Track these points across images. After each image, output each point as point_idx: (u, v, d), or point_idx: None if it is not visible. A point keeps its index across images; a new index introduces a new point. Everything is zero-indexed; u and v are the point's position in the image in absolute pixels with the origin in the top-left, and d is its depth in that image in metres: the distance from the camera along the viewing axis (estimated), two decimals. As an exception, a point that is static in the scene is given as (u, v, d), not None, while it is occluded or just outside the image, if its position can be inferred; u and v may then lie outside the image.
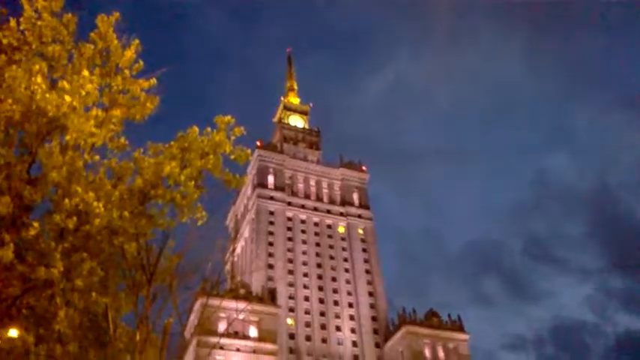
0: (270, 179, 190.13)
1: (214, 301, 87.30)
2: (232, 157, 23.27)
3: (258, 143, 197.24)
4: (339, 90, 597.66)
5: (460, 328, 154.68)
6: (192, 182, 22.79)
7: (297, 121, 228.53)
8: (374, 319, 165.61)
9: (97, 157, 21.02)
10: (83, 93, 19.36)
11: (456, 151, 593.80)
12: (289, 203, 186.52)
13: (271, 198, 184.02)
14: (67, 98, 18.83)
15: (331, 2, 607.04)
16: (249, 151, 23.31)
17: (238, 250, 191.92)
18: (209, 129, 22.52)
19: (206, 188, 23.48)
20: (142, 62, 21.57)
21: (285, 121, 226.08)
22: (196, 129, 22.21)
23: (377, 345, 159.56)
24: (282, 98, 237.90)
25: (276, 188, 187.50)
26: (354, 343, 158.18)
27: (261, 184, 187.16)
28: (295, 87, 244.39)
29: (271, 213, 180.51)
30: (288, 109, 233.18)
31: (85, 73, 19.71)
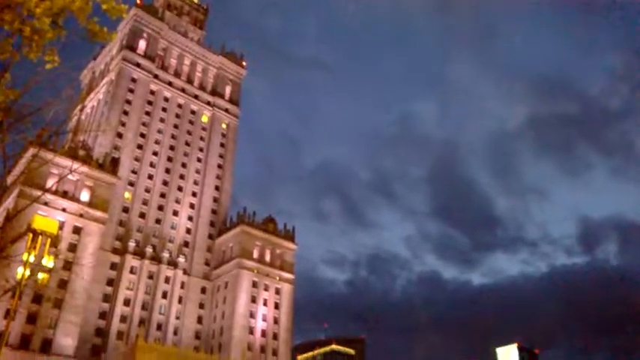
0: (142, 44, 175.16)
1: (48, 154, 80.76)
2: (104, 6, 20.56)
3: (138, 1, 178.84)
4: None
5: (291, 239, 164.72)
6: (49, 20, 19.79)
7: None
8: (214, 212, 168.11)
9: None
10: None
11: (338, 68, 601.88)
12: (156, 76, 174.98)
13: (138, 65, 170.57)
14: None
15: None
16: (124, 7, 20.80)
17: (88, 109, 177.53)
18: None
19: (65, 31, 20.65)
20: None
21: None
22: (66, -40, 19.03)
23: (210, 236, 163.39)
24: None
25: (146, 56, 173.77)
26: (188, 230, 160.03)
27: (130, 47, 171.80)
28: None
29: (133, 80, 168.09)
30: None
31: None
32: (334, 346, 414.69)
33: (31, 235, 29.41)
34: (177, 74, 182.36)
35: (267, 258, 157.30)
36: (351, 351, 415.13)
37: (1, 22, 19.52)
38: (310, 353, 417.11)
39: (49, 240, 30.58)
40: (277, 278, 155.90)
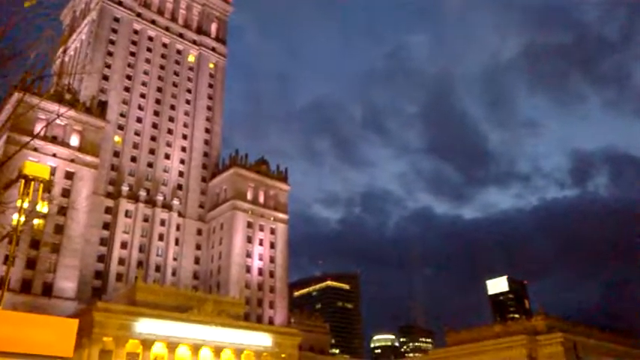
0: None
1: (33, 99, 78.66)
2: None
3: None
4: None
5: (284, 179, 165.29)
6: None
7: None
8: (206, 154, 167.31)
9: None
10: None
11: (329, 1, 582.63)
12: (139, 15, 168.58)
13: (119, 3, 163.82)
14: None
15: None
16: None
17: (71, 51, 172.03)
18: None
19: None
20: None
21: None
22: None
23: (203, 179, 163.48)
24: None
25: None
26: (181, 173, 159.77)
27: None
28: None
29: (116, 20, 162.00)
30: None
31: None
32: (329, 282, 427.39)
33: (23, 181, 28.97)
34: (160, 12, 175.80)
35: (261, 199, 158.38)
36: (346, 286, 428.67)
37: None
38: (306, 289, 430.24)
39: (41, 186, 30.19)
40: (272, 219, 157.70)
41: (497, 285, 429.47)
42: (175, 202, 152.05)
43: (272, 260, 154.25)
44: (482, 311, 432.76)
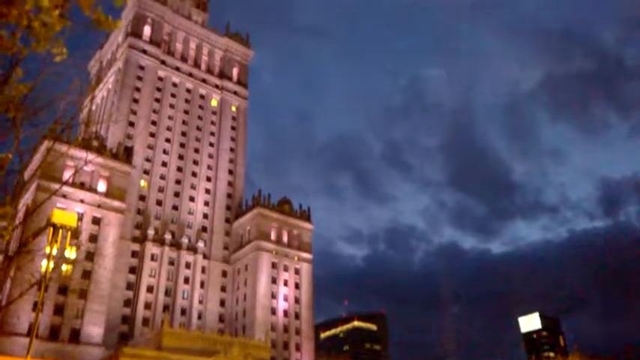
0: (147, 30, 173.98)
1: (62, 147, 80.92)
2: (109, -7, 19.76)
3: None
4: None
5: (307, 218, 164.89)
6: (57, 11, 19.13)
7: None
8: (229, 196, 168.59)
9: None
10: None
11: (343, 37, 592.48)
12: (163, 62, 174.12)
13: (144, 51, 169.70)
14: None
15: None
16: (128, -8, 20.03)
17: (98, 99, 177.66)
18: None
19: (71, 22, 19.97)
20: None
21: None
22: (70, -53, 18.32)
23: (227, 220, 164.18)
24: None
25: (152, 42, 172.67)
26: (205, 215, 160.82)
27: (136, 33, 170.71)
28: None
29: (141, 68, 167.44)
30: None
31: None
32: (356, 323, 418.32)
33: (51, 229, 29.31)
34: (184, 59, 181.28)
35: (285, 239, 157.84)
36: (373, 327, 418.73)
37: (7, 18, 18.99)
38: (333, 331, 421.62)
39: (69, 232, 30.46)
40: (296, 258, 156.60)
41: (530, 322, 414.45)
42: (200, 244, 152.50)
43: (297, 301, 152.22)
44: (516, 350, 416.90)
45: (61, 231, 29.30)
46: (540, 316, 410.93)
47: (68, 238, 31.61)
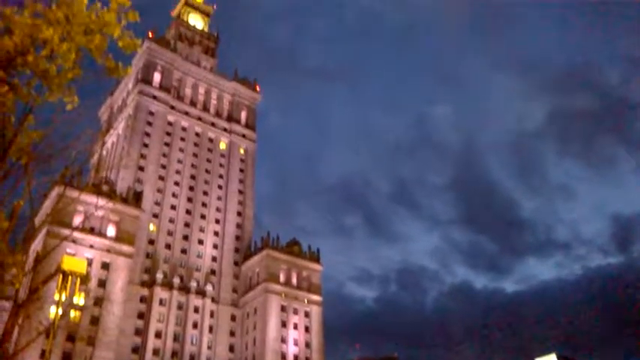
0: (157, 77, 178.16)
1: (73, 193, 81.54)
2: (120, 43, 20.55)
3: (150, 35, 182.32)
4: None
5: (317, 260, 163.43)
6: (73, 56, 19.83)
7: (197, 20, 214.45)
8: (238, 238, 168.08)
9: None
10: None
11: (349, 77, 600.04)
12: (172, 107, 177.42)
13: (154, 97, 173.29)
14: None
15: None
16: (138, 41, 20.87)
17: (108, 144, 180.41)
18: (98, 4, 19.57)
19: (83, 70, 20.63)
20: None
21: (184, 19, 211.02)
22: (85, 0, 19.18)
23: (236, 263, 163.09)
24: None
25: (161, 88, 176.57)
26: (214, 258, 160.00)
27: (146, 80, 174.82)
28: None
29: (151, 113, 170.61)
30: (190, 5, 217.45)
31: None
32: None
33: (61, 275, 29.25)
34: (193, 103, 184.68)
35: (294, 281, 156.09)
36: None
37: (24, 65, 19.62)
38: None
39: (79, 279, 30.39)
40: (305, 301, 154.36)
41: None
42: (209, 287, 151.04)
43: (307, 345, 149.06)
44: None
45: (70, 278, 29.25)
46: (558, 357, 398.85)
47: (78, 284, 31.52)
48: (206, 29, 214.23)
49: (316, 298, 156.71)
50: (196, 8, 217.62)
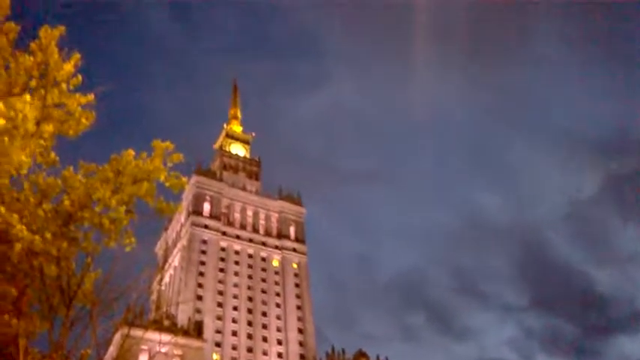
0: (206, 207, 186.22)
1: (136, 332, 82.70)
2: (167, 184, 22.55)
3: (197, 168, 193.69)
4: (278, 107, 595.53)
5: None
6: (123, 207, 21.79)
7: (238, 149, 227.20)
8: (302, 357, 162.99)
9: (24, 171, 19.73)
10: (20, 116, 18.14)
11: (390, 174, 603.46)
12: (224, 233, 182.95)
13: (206, 226, 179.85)
14: (1, 121, 17.59)
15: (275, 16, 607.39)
16: (185, 179, 22.76)
17: (167, 278, 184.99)
18: (144, 154, 21.72)
19: (136, 214, 22.51)
20: (80, 77, 20.68)
21: (227, 149, 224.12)
22: (132, 152, 21.39)
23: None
24: (225, 126, 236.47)
25: (212, 217, 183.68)
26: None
27: (197, 211, 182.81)
28: (239, 115, 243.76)
29: (204, 242, 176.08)
30: (231, 137, 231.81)
31: (27, 97, 18.49)
32: None
33: (129, 418, 29.40)
34: (242, 226, 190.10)
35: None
36: None
37: (81, 220, 21.69)
38: None
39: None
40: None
41: None
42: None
43: None
44: None
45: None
46: None
47: None
48: (248, 155, 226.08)
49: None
50: (237, 139, 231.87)
